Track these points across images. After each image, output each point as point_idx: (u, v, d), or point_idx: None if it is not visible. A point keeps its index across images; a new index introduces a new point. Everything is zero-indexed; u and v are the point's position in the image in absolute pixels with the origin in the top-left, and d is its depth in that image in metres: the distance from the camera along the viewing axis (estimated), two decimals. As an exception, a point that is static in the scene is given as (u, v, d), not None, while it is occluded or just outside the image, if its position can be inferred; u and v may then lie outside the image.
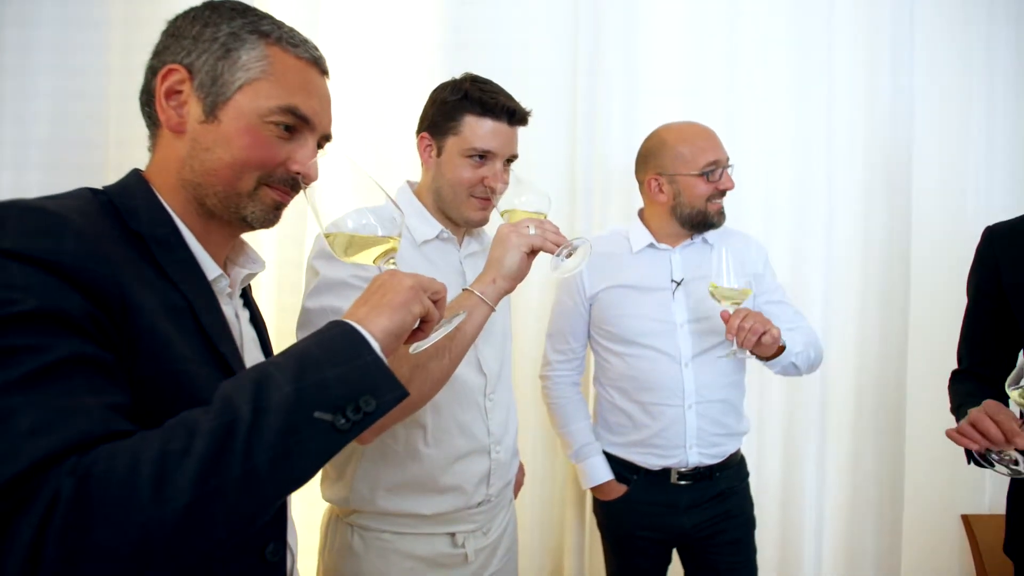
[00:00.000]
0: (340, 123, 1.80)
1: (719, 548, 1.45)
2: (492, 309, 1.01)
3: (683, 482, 1.43)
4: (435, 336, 0.76)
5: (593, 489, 1.52)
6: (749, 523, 1.51)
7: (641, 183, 1.52)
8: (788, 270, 1.82)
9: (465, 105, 1.14)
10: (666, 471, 1.44)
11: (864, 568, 1.89)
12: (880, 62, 1.86)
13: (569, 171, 1.88)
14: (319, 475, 1.20)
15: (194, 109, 0.69)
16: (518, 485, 1.42)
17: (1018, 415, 1.00)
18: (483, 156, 1.14)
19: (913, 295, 1.83)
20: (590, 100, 1.84)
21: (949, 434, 1.07)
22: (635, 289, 1.47)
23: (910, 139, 1.85)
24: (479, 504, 1.17)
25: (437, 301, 0.73)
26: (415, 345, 0.75)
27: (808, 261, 1.87)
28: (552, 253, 1.02)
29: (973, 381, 1.28)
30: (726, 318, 1.29)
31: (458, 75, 1.20)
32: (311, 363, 0.58)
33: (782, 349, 1.35)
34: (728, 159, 1.44)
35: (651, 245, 1.49)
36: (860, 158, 1.87)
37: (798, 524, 1.88)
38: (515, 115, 1.16)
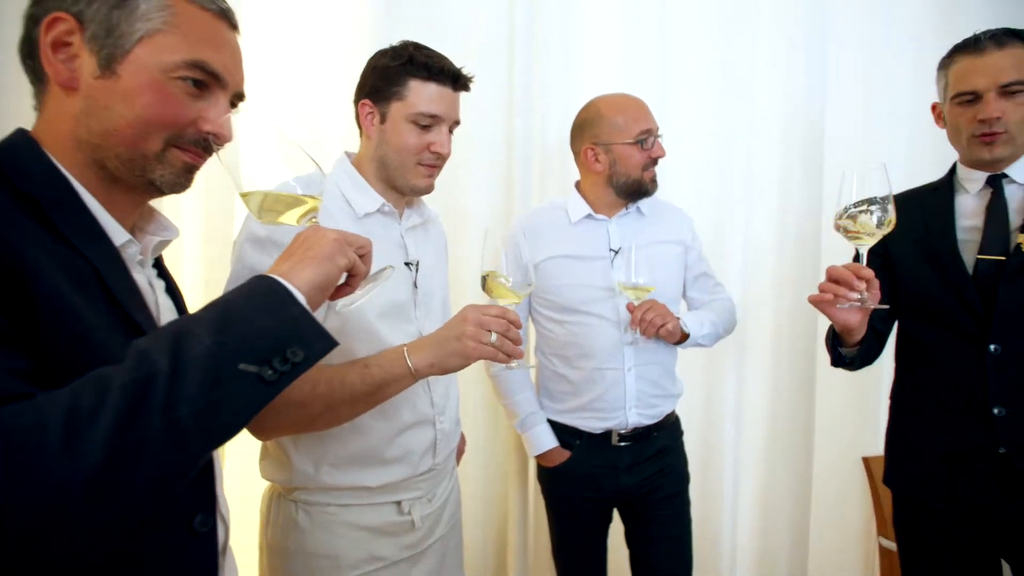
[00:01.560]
0: (269, 94, 1.73)
1: (656, 504, 1.54)
2: (416, 381, 1.04)
3: (623, 443, 1.51)
4: (362, 292, 0.76)
5: (538, 457, 1.57)
6: (684, 479, 1.61)
7: (577, 154, 1.55)
8: (712, 239, 1.92)
9: (410, 69, 1.12)
10: (607, 433, 1.51)
11: (779, 509, 2.07)
12: (797, 41, 1.97)
13: (506, 143, 1.89)
14: (257, 453, 1.18)
15: (87, 63, 0.63)
16: (460, 453, 1.44)
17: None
18: (429, 122, 1.13)
19: (824, 262, 1.97)
20: (526, 73, 1.85)
21: (811, 300, 1.13)
22: (575, 258, 1.51)
23: (823, 116, 1.98)
24: (425, 472, 1.19)
25: (363, 256, 0.73)
26: (343, 301, 0.75)
27: (729, 231, 1.99)
28: (502, 363, 1.04)
29: None
30: (631, 309, 1.40)
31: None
32: (235, 316, 0.57)
33: (686, 336, 1.47)
34: (658, 128, 1.50)
35: (589, 216, 1.54)
36: (778, 134, 1.98)
37: (718, 474, 2.03)
38: (459, 80, 1.15)
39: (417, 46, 1.14)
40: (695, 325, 1.48)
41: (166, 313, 0.74)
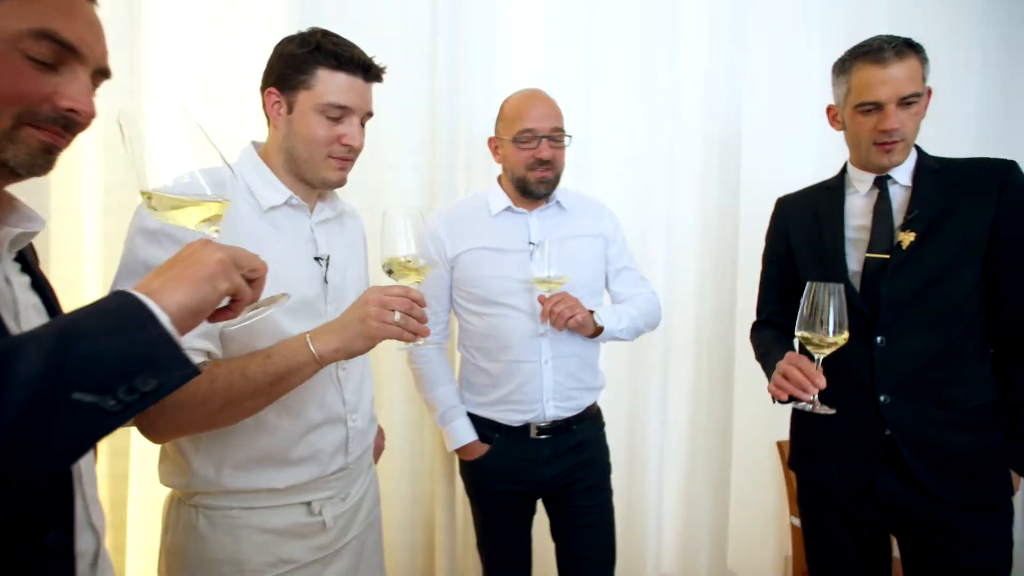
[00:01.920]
0: (177, 78, 1.65)
1: (577, 495, 1.56)
2: (321, 368, 1.01)
3: (542, 436, 1.52)
4: (248, 317, 0.73)
5: (457, 450, 1.57)
6: (605, 470, 1.63)
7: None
8: (636, 236, 1.96)
9: (317, 58, 1.08)
10: (526, 426, 1.52)
11: (700, 493, 2.15)
12: (718, 42, 2.03)
13: (430, 137, 1.87)
14: (156, 455, 1.13)
15: None
16: (378, 450, 1.43)
17: (813, 360, 1.18)
18: (339, 113, 1.09)
19: (741, 257, 2.06)
20: (450, 66, 1.83)
21: (770, 390, 1.24)
22: (494, 251, 1.51)
23: (740, 114, 2.05)
24: (336, 472, 1.17)
25: (255, 280, 0.68)
26: (224, 323, 0.71)
27: (653, 228, 2.04)
28: (408, 342, 1.02)
29: (770, 328, 1.49)
30: (542, 302, 1.41)
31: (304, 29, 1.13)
32: (78, 335, 0.52)
33: (601, 329, 1.48)
34: (555, 130, 1.46)
35: (508, 208, 1.54)
36: (698, 132, 2.05)
37: (643, 463, 2.09)
38: (370, 70, 1.12)
39: (326, 33, 1.10)
40: (611, 319, 1.50)
41: (28, 311, 0.69)
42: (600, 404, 1.68)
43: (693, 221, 2.07)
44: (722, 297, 2.08)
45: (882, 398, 1.26)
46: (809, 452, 1.42)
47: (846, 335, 1.13)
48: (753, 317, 1.60)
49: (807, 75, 2.08)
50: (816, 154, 2.06)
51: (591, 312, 1.46)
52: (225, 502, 1.07)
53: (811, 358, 1.18)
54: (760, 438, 2.14)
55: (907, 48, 1.23)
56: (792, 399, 1.21)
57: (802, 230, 1.43)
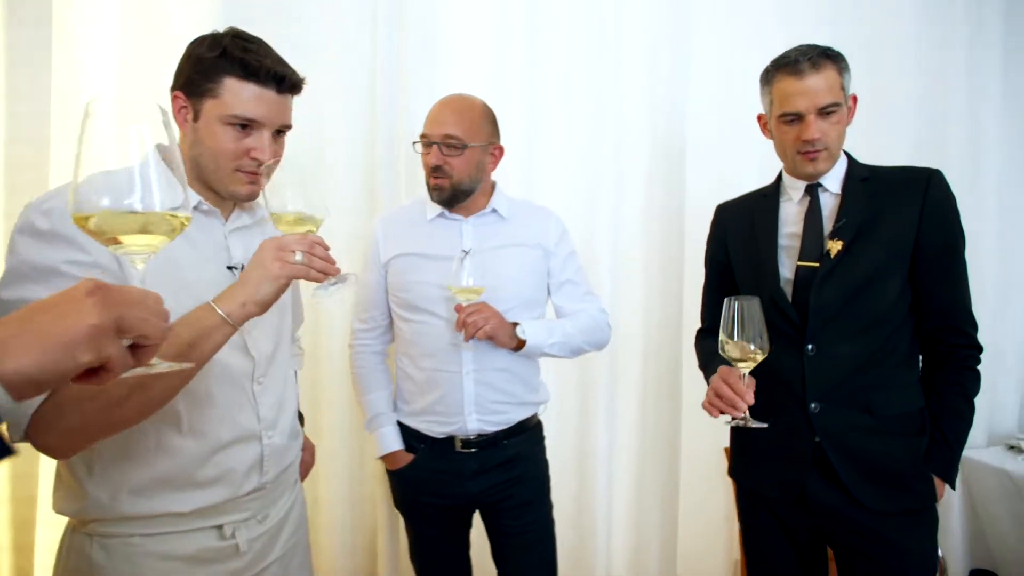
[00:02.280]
0: (90, 80, 1.56)
1: (509, 512, 1.52)
2: (235, 330, 0.93)
3: (469, 449, 1.48)
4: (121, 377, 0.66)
5: (382, 458, 1.53)
6: (541, 485, 1.58)
7: None
8: (581, 243, 1.94)
9: (224, 65, 1.02)
10: (451, 439, 1.48)
11: (650, 502, 2.15)
12: (660, 51, 2.04)
13: (369, 143, 1.83)
14: (52, 482, 1.05)
15: None
16: (306, 467, 1.37)
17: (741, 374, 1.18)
18: (247, 125, 1.04)
19: (687, 264, 2.06)
20: (390, 71, 1.80)
21: (704, 406, 1.23)
22: (423, 257, 1.48)
23: (684, 125, 2.06)
24: (251, 492, 1.11)
25: (143, 348, 0.57)
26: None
27: (599, 237, 2.03)
28: (317, 282, 0.97)
29: (712, 337, 1.48)
30: (459, 311, 1.37)
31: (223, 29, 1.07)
32: None
33: (523, 343, 1.43)
34: (446, 137, 1.42)
35: (442, 214, 1.51)
36: (644, 138, 2.05)
37: (592, 473, 2.07)
38: (284, 81, 1.06)
39: (237, 36, 1.04)
40: (539, 333, 1.44)
41: None
42: (548, 413, 1.65)
43: (639, 228, 2.07)
44: (668, 304, 2.07)
45: (812, 406, 1.26)
46: (745, 460, 1.42)
47: (766, 348, 1.13)
48: (699, 324, 1.59)
49: (751, 81, 2.09)
50: (760, 160, 2.07)
51: (514, 324, 1.42)
52: (124, 528, 1.00)
53: None
54: (708, 445, 2.14)
55: (823, 58, 1.24)
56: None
57: (739, 237, 1.44)
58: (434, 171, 1.43)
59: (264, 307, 0.94)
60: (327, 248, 0.98)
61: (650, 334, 2.10)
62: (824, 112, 1.24)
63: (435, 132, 1.43)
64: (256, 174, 1.08)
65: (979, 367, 1.28)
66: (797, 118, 1.26)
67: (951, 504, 2.17)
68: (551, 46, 1.94)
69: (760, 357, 1.14)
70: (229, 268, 1.12)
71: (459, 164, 1.43)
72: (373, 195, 1.83)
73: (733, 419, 1.17)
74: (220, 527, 1.07)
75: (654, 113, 2.04)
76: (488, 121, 1.50)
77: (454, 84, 1.72)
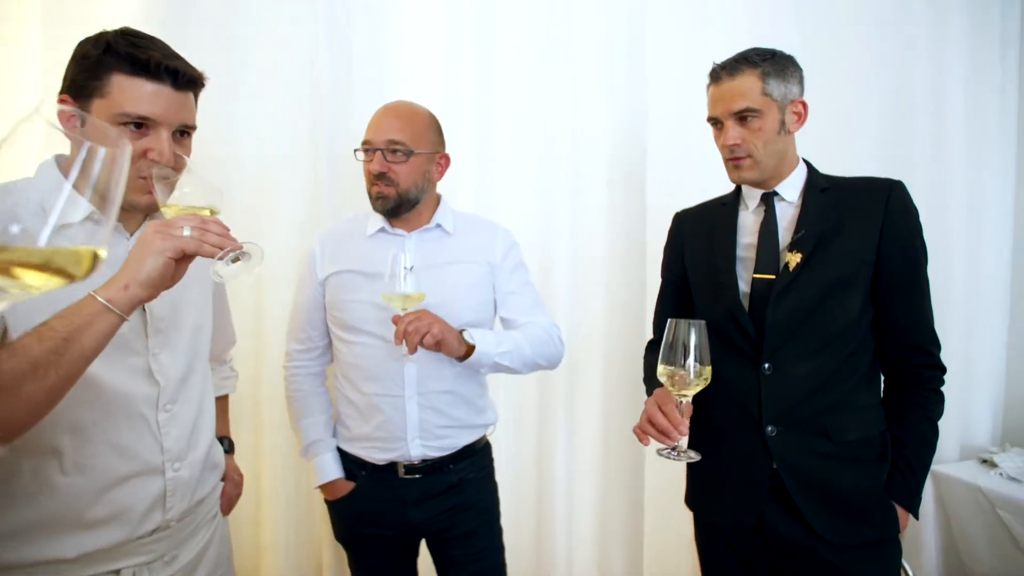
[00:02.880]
0: (22, 84, 1.45)
1: (452, 542, 1.43)
2: (123, 319, 0.82)
3: (412, 476, 1.39)
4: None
5: (321, 488, 1.44)
6: (488, 512, 1.49)
7: None
8: (536, 263, 1.85)
9: (110, 61, 0.93)
10: (393, 465, 1.39)
11: (613, 519, 2.06)
12: (617, 60, 1.97)
13: (312, 151, 1.74)
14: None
15: None
16: (229, 499, 1.26)
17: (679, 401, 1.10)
18: (141, 124, 0.95)
19: (649, 278, 1.98)
20: (335, 78, 1.73)
21: (635, 432, 1.15)
22: (362, 275, 1.39)
23: (644, 135, 1.98)
24: (153, 532, 1.01)
25: None
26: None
27: (556, 250, 1.95)
28: (211, 257, 0.87)
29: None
30: (396, 321, 1.25)
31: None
32: None
33: (471, 348, 1.31)
34: (391, 143, 1.34)
35: (383, 230, 1.42)
36: (603, 150, 1.97)
37: (550, 493, 1.99)
38: (180, 76, 0.97)
39: (124, 32, 0.96)
40: (488, 340, 1.33)
41: None
42: (506, 433, 1.56)
43: (599, 239, 1.99)
44: (630, 319, 1.99)
45: (768, 428, 1.19)
46: (701, 488, 1.34)
47: (707, 377, 1.06)
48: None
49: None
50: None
51: (461, 331, 1.31)
52: (-3, 578, 0.89)
53: None
54: (673, 464, 2.06)
55: (741, 64, 1.21)
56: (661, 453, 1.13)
57: (697, 247, 1.37)
58: (377, 179, 1.35)
59: (151, 288, 0.83)
60: (226, 228, 0.89)
61: (611, 351, 2.01)
62: (741, 117, 1.20)
63: (378, 138, 1.35)
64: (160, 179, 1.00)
65: (943, 388, 1.22)
66: (719, 124, 1.25)
67: (925, 520, 2.11)
68: (503, 52, 1.87)
69: (701, 385, 1.07)
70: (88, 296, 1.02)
71: (404, 171, 1.35)
72: (316, 214, 1.75)
73: (664, 448, 1.10)
74: (117, 572, 0.97)
75: (613, 118, 1.96)
76: (433, 129, 1.43)
77: (403, 94, 1.65)
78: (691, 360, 1.04)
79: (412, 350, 1.22)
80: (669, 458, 1.09)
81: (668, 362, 1.06)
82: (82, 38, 0.97)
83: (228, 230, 0.89)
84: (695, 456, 1.09)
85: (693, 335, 1.05)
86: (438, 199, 1.47)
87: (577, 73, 1.93)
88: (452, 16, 1.82)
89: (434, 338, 1.22)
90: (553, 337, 1.46)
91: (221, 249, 0.86)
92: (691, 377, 1.04)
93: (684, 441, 1.15)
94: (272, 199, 1.73)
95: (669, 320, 1.07)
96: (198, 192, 0.93)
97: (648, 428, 1.11)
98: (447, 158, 1.46)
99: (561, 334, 1.50)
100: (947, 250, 2.07)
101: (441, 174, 1.46)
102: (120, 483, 0.96)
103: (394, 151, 1.34)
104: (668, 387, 1.08)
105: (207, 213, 0.93)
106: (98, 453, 0.94)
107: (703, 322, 1.06)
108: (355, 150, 1.40)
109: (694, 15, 1.95)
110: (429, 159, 1.40)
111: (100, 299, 0.80)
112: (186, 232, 0.84)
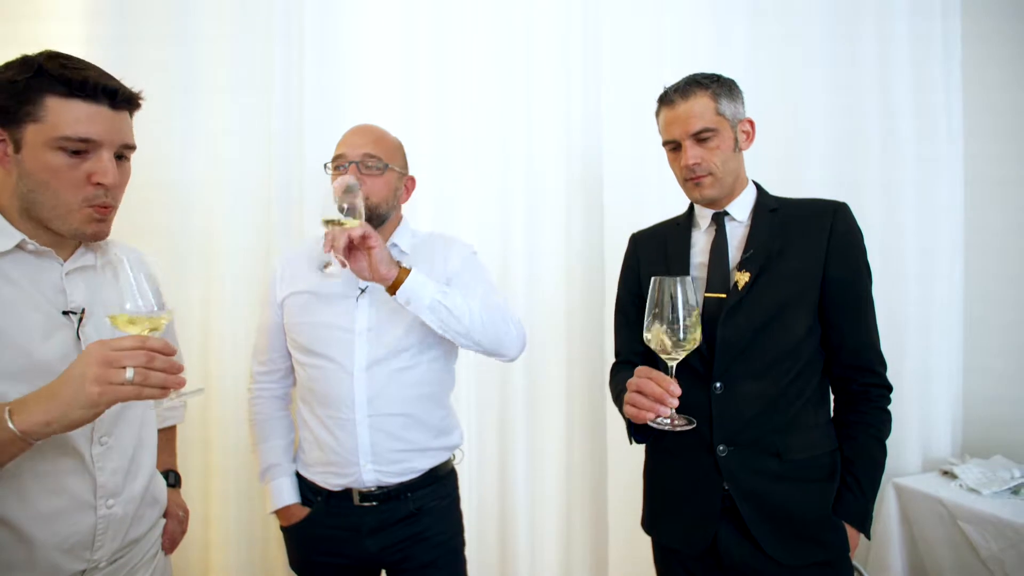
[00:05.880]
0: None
1: (411, 572, 1.38)
2: (31, 446, 0.82)
3: (368, 503, 1.35)
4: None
5: (275, 513, 1.40)
6: (446, 544, 1.42)
7: None
8: (497, 272, 1.86)
9: (42, 84, 0.91)
10: (348, 491, 1.35)
11: (577, 541, 2.04)
12: (573, 84, 1.99)
13: (265, 170, 1.73)
14: None
15: None
16: (172, 538, 1.21)
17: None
18: (80, 147, 0.92)
19: (608, 296, 1.97)
20: (289, 95, 1.71)
21: (627, 412, 1.10)
22: (317, 296, 1.37)
23: (600, 160, 1.99)
24: (81, 574, 0.96)
25: None
26: None
27: (512, 274, 1.94)
28: (154, 399, 0.86)
29: (628, 368, 1.40)
30: (329, 236, 1.16)
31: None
32: None
33: (406, 272, 1.22)
34: (367, 156, 1.33)
35: None
36: (560, 170, 1.98)
37: (512, 518, 1.96)
38: (117, 95, 0.96)
39: (53, 55, 0.94)
40: (425, 280, 1.24)
41: None
42: (466, 456, 1.52)
43: (559, 260, 1.99)
44: (590, 339, 1.99)
45: (720, 448, 1.19)
46: (656, 512, 1.33)
47: (698, 335, 1.03)
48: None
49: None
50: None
51: (399, 264, 1.24)
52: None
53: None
54: (636, 483, 2.05)
55: (693, 86, 1.24)
56: (645, 429, 1.10)
57: (652, 266, 1.37)
58: (345, 193, 1.31)
59: (74, 429, 0.84)
60: (172, 352, 0.86)
61: (572, 371, 2.00)
62: (698, 138, 1.22)
63: (353, 152, 1.34)
64: (106, 207, 0.98)
65: (889, 407, 1.24)
66: (677, 146, 1.26)
67: (891, 537, 2.12)
68: (460, 76, 1.87)
69: (687, 349, 1.03)
70: (65, 313, 0.99)
71: (378, 186, 1.34)
72: (269, 230, 1.72)
73: (659, 419, 1.04)
74: (38, 618, 0.92)
75: (570, 141, 1.98)
76: (402, 153, 1.45)
77: (358, 118, 1.64)
78: (681, 313, 1.01)
79: (338, 249, 1.15)
80: (663, 427, 1.04)
81: (658, 319, 1.01)
82: (3, 63, 0.94)
83: (174, 361, 0.86)
84: (692, 422, 1.04)
85: (680, 290, 1.01)
86: (399, 220, 1.46)
87: (533, 97, 1.94)
88: (408, 41, 1.82)
89: (364, 232, 1.15)
90: (508, 318, 1.36)
91: (161, 390, 0.84)
92: (683, 335, 1.01)
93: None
94: (223, 221, 1.71)
95: (653, 278, 1.04)
96: (140, 300, 0.88)
97: (641, 401, 1.06)
98: (413, 181, 1.47)
99: (522, 328, 1.40)
100: (898, 263, 2.10)
101: (408, 196, 1.47)
102: (43, 521, 0.92)
103: (368, 165, 1.33)
104: (658, 350, 1.04)
105: (156, 330, 0.90)
106: (21, 488, 0.90)
107: (688, 277, 1.05)
108: (325, 164, 1.38)
109: (650, 41, 1.99)
110: (400, 177, 1.40)
111: (12, 427, 0.79)
112: (128, 374, 0.81)
